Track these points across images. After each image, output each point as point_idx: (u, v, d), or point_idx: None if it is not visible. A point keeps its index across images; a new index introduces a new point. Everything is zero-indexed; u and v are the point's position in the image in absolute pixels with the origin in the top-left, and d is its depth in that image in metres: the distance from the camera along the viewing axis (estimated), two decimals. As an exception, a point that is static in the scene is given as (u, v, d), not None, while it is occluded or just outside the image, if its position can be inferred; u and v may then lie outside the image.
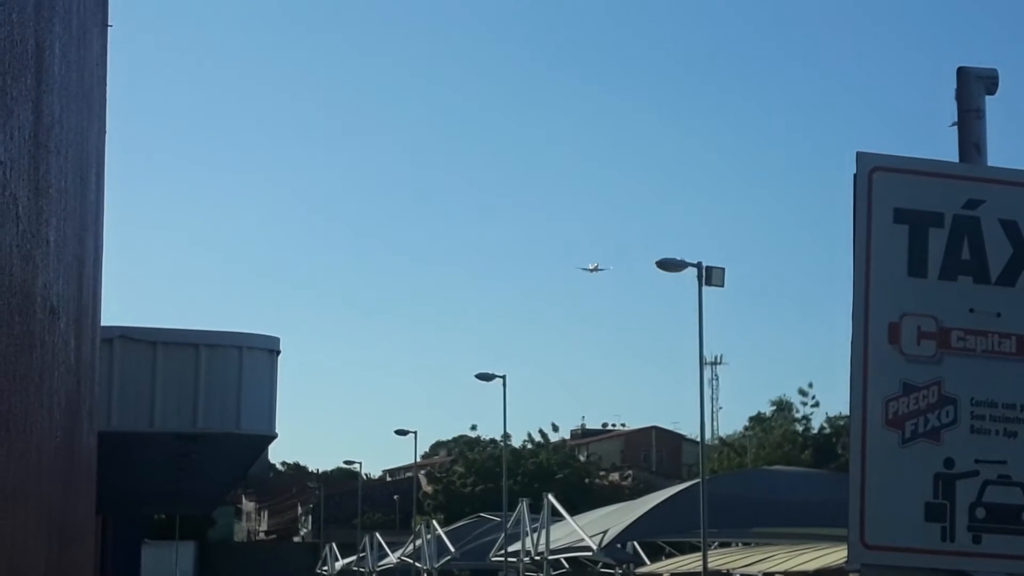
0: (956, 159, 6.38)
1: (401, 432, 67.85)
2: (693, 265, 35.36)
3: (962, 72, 6.43)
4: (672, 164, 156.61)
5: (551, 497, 51.57)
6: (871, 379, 6.07)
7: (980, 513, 6.06)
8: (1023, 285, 6.21)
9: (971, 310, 6.16)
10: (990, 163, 6.41)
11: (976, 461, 6.07)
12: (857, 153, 6.20)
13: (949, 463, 6.06)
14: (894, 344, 6.09)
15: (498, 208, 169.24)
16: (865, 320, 6.10)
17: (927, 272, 6.16)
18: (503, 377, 52.15)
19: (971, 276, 6.19)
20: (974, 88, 6.43)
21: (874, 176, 6.18)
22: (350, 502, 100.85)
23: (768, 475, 54.98)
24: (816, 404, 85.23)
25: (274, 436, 25.34)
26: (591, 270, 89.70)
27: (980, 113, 6.41)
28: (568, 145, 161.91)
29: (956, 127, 6.33)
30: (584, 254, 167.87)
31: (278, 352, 24.74)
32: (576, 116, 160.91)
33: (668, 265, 35.64)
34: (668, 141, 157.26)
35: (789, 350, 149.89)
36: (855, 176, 6.18)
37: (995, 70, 6.45)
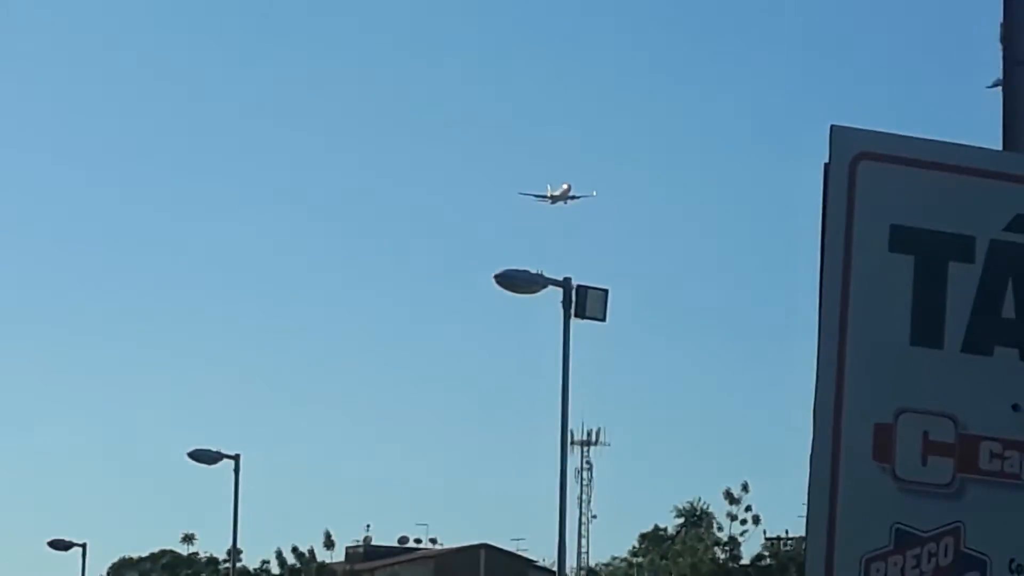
0: (997, 143, 5.01)
1: (60, 544, 63.62)
2: (557, 284, 29.44)
3: (1012, 6, 5.06)
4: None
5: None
6: (842, 523, 5.00)
7: None
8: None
9: (1015, 407, 5.04)
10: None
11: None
12: (831, 127, 4.80)
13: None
14: (883, 462, 5.14)
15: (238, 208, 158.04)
16: (836, 418, 4.97)
17: (943, 339, 5.07)
18: (235, 458, 45.34)
19: (1017, 348, 5.08)
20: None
21: (859, 167, 4.88)
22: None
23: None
24: (756, 520, 71.98)
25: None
26: (551, 198, 66.33)
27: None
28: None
29: (999, 89, 5.15)
30: (383, 269, 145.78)
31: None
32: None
33: (515, 283, 29.14)
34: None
35: (709, 428, 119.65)
36: (827, 166, 4.79)
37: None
